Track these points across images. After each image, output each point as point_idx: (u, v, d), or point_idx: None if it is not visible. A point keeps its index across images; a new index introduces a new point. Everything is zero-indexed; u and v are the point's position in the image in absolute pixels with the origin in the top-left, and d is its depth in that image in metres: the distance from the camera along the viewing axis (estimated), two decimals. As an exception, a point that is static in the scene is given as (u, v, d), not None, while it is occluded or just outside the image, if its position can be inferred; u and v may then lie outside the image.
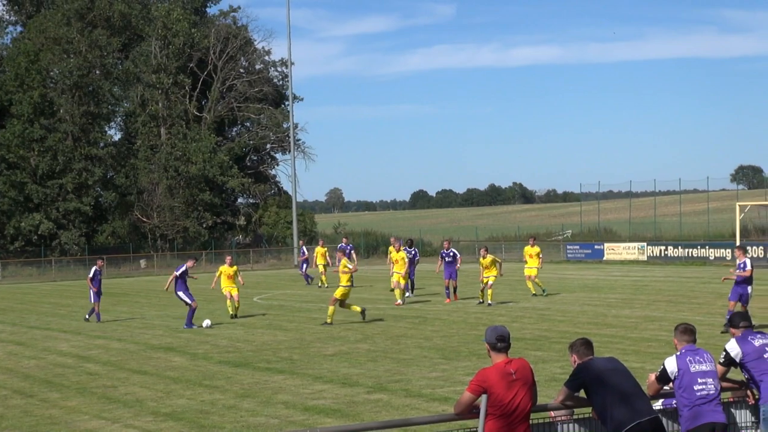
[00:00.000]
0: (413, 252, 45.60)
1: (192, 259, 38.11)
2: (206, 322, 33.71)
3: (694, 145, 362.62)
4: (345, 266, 34.05)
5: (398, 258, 40.74)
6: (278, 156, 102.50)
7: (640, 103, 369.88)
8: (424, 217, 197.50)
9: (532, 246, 43.76)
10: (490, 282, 38.79)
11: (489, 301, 38.75)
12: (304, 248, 59.27)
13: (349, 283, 33.91)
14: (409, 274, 44.13)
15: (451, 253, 41.57)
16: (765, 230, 75.21)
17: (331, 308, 33.52)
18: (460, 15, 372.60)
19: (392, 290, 42.14)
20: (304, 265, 57.37)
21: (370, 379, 21.73)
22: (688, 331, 11.68)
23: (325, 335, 30.37)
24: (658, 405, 11.55)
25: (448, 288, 41.42)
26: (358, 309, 33.92)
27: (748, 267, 28.53)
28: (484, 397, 10.06)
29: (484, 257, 39.13)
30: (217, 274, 37.31)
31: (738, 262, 29.13)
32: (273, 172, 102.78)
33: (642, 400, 10.78)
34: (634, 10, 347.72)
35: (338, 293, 33.68)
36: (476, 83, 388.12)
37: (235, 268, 37.17)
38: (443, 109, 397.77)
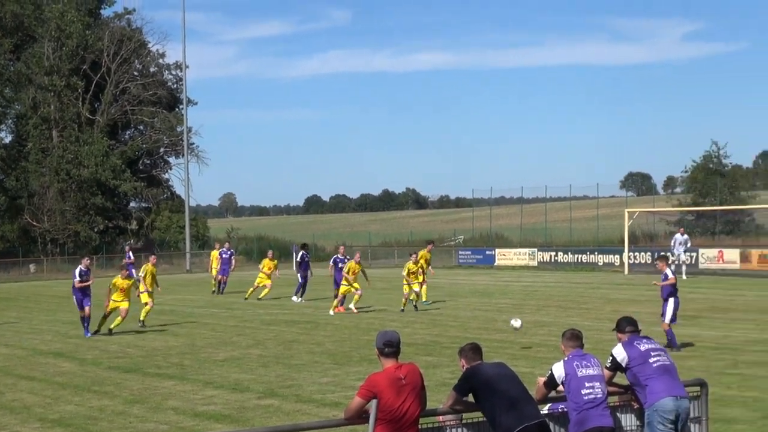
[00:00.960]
0: (307, 256, 45.59)
1: (86, 257, 37.40)
2: (517, 322, 28.03)
3: (586, 152, 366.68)
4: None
5: (355, 269, 38.87)
6: (171, 160, 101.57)
7: (533, 109, 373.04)
8: (317, 222, 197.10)
9: (429, 252, 41.48)
10: (418, 289, 38.43)
11: (424, 300, 38.76)
12: (130, 253, 57.27)
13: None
14: (305, 278, 44.30)
15: (346, 259, 41.01)
16: (653, 236, 76.33)
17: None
18: (356, 20, 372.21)
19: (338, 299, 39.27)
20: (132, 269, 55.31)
21: (261, 384, 21.62)
22: (574, 337, 11.86)
23: (216, 341, 30.16)
24: (545, 410, 11.63)
25: (336, 296, 39.67)
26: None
27: (670, 276, 26.69)
28: (373, 402, 10.07)
29: (416, 262, 38.58)
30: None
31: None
32: (166, 176, 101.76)
33: (530, 405, 10.86)
34: (530, 16, 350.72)
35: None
36: (372, 88, 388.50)
37: (132, 280, 34.13)
38: (339, 114, 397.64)
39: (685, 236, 56.12)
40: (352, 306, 38.54)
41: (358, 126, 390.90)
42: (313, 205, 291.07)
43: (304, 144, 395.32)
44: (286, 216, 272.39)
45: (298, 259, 46.11)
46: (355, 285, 38.75)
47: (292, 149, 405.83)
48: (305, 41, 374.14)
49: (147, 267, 35.39)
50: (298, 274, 45.44)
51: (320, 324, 34.24)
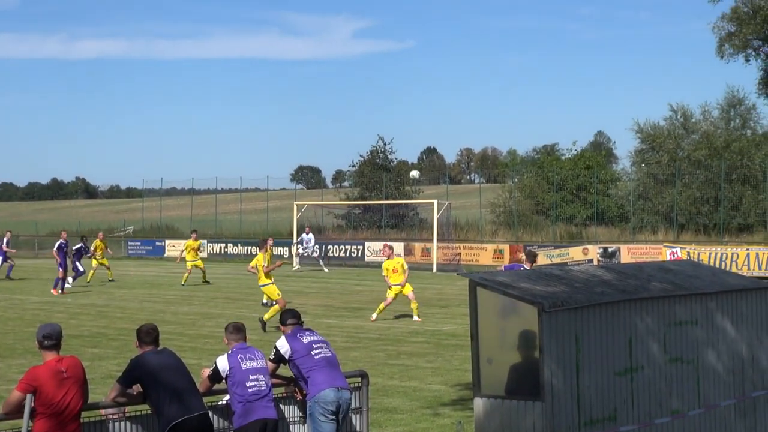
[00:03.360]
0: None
1: None
2: None
3: (257, 145, 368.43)
4: None
5: (396, 266, 30.56)
6: None
7: (204, 101, 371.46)
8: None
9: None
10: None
11: (415, 317, 30.32)
12: None
13: None
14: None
15: (67, 243, 43.31)
16: (321, 229, 77.32)
17: None
18: (24, 3, 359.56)
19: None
20: None
21: None
22: (237, 330, 11.99)
23: None
24: (224, 400, 11.69)
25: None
26: None
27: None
28: (28, 396, 9.97)
29: (390, 257, 31.10)
30: None
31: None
32: None
33: (194, 397, 10.91)
34: (200, 8, 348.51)
35: None
36: (41, 75, 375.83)
37: None
38: (5, 100, 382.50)
39: (310, 235, 57.54)
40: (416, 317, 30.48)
41: (26, 112, 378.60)
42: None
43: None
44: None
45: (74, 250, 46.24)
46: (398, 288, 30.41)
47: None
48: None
49: None
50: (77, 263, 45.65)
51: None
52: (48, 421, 10.00)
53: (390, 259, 30.84)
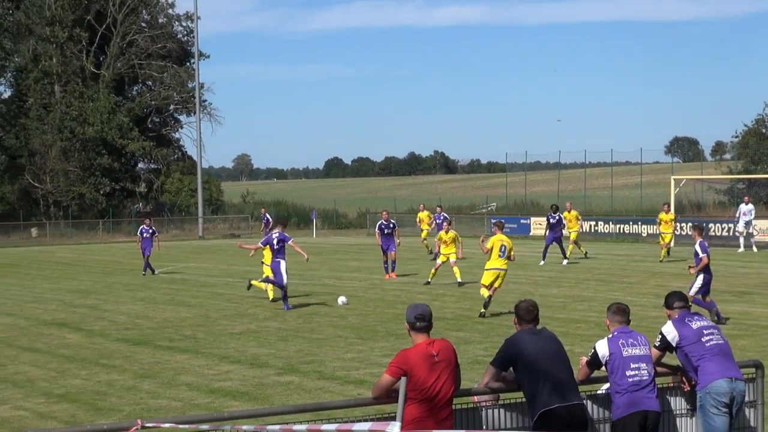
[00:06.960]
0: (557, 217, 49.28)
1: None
2: (342, 300, 31.83)
3: (628, 115, 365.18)
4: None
5: (447, 239, 38.52)
6: (182, 118, 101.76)
7: (572, 68, 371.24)
8: (338, 186, 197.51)
9: (569, 211, 51.65)
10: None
11: (459, 280, 37.35)
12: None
13: None
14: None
15: (391, 224, 42.03)
16: (701, 206, 76.00)
17: None
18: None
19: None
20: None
21: (280, 359, 21.71)
22: (620, 311, 11.76)
23: (231, 312, 30.27)
24: (603, 389, 11.65)
25: (386, 262, 41.40)
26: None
27: (701, 254, 26.33)
28: (403, 380, 10.07)
29: (447, 231, 38.40)
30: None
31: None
32: (177, 135, 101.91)
33: (571, 386, 10.88)
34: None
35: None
36: (397, 43, 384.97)
37: None
38: (361, 71, 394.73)
39: (750, 206, 55.43)
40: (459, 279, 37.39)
41: (383, 83, 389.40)
42: (334, 168, 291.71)
43: (325, 102, 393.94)
44: (304, 180, 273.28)
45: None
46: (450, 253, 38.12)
47: (312, 108, 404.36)
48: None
49: None
50: None
51: (343, 296, 34.21)
52: (419, 406, 10.13)
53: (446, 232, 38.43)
